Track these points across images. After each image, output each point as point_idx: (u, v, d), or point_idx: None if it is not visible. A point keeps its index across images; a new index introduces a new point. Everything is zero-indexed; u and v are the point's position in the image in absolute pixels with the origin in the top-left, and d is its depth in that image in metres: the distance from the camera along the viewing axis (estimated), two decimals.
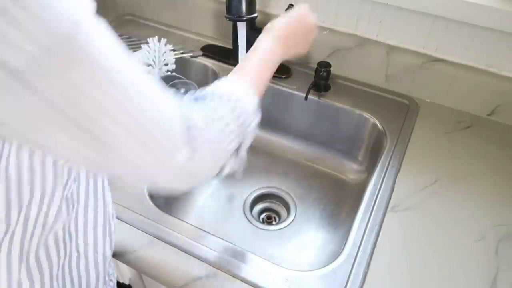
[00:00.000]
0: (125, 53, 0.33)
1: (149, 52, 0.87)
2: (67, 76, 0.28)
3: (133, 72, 0.33)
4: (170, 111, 0.37)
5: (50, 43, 0.27)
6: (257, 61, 0.54)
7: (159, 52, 0.88)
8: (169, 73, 0.90)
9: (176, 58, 0.92)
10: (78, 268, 0.51)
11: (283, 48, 0.58)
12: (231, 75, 0.51)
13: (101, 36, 0.31)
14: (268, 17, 0.99)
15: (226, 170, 0.49)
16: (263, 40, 0.57)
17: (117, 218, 0.66)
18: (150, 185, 0.40)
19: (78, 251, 0.50)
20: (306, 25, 0.63)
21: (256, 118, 0.49)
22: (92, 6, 0.30)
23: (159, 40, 0.91)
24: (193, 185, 0.42)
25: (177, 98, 0.39)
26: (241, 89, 0.47)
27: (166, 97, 0.37)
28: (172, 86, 0.86)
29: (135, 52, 0.87)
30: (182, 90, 0.85)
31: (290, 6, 0.87)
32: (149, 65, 0.84)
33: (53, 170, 0.40)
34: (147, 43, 0.90)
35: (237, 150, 0.48)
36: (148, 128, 0.34)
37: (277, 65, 0.58)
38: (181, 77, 0.88)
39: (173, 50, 1.01)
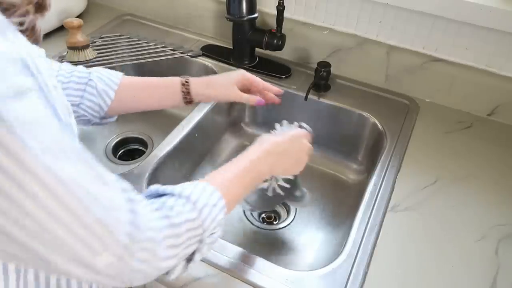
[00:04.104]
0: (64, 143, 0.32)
1: None
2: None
3: (73, 172, 0.32)
4: (116, 206, 0.35)
5: None
6: (239, 172, 0.54)
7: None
8: None
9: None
10: None
11: (271, 164, 0.58)
12: (207, 178, 0.51)
13: (30, 134, 0.29)
14: (268, 17, 0.99)
15: (173, 276, 0.46)
16: (252, 151, 0.57)
17: None
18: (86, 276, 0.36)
19: None
20: (300, 147, 0.64)
21: (219, 231, 0.49)
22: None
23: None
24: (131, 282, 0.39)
25: (126, 194, 0.37)
26: (210, 198, 0.47)
27: (111, 192, 0.36)
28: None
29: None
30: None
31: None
32: None
33: None
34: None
35: (191, 255, 0.47)
36: (88, 221, 0.33)
37: (261, 178, 0.58)
38: None
39: (173, 50, 1.02)
